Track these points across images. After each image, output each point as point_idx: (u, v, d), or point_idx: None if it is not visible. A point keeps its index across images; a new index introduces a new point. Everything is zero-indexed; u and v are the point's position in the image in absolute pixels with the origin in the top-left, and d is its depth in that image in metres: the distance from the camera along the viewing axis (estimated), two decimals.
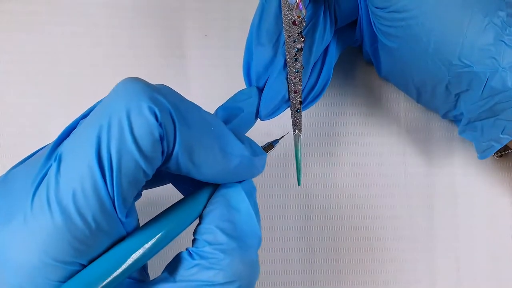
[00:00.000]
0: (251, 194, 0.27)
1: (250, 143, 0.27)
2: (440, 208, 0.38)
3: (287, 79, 0.31)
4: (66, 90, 0.38)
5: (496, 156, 0.37)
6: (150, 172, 0.23)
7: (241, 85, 0.32)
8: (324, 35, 0.32)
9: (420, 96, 0.35)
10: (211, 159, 0.25)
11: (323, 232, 0.37)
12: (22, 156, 0.26)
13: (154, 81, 0.39)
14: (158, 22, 0.39)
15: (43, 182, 0.22)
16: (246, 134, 0.30)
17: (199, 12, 0.39)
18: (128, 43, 0.39)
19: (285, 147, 0.37)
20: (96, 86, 0.38)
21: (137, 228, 0.25)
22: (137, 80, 0.23)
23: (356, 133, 0.38)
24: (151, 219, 0.25)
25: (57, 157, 0.22)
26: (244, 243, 0.25)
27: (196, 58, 0.39)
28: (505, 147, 0.35)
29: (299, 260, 0.37)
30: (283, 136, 0.31)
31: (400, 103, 0.39)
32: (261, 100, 0.30)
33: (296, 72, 0.30)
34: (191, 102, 0.25)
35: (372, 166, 0.38)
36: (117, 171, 0.22)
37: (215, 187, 0.27)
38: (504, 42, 0.28)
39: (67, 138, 0.24)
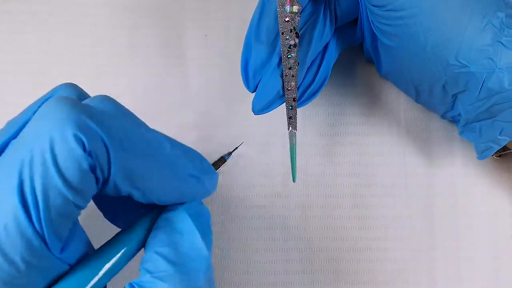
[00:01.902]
0: (198, 215, 0.26)
1: (201, 161, 0.26)
2: (440, 208, 0.38)
3: (282, 75, 0.31)
4: None
5: (496, 156, 0.37)
6: (83, 204, 0.22)
7: (241, 85, 0.32)
8: (323, 33, 0.32)
9: (418, 95, 0.35)
10: (155, 182, 0.23)
11: (323, 232, 0.37)
12: None
13: (154, 81, 0.40)
14: (158, 22, 0.39)
15: None
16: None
17: (199, 12, 0.39)
18: (128, 43, 0.39)
19: (286, 146, 0.37)
20: (96, 86, 0.38)
21: (85, 256, 0.24)
22: (63, 102, 0.21)
23: (356, 133, 0.38)
24: (93, 253, 0.24)
25: None
26: (186, 267, 0.24)
27: (196, 58, 0.39)
28: (504, 147, 0.35)
29: (299, 260, 0.37)
30: (236, 148, 0.31)
31: (400, 103, 0.39)
32: (255, 95, 0.31)
33: (289, 68, 0.30)
34: (133, 120, 0.23)
35: (372, 166, 0.38)
36: (44, 208, 0.20)
37: (159, 211, 0.25)
38: (501, 43, 0.28)
39: None
